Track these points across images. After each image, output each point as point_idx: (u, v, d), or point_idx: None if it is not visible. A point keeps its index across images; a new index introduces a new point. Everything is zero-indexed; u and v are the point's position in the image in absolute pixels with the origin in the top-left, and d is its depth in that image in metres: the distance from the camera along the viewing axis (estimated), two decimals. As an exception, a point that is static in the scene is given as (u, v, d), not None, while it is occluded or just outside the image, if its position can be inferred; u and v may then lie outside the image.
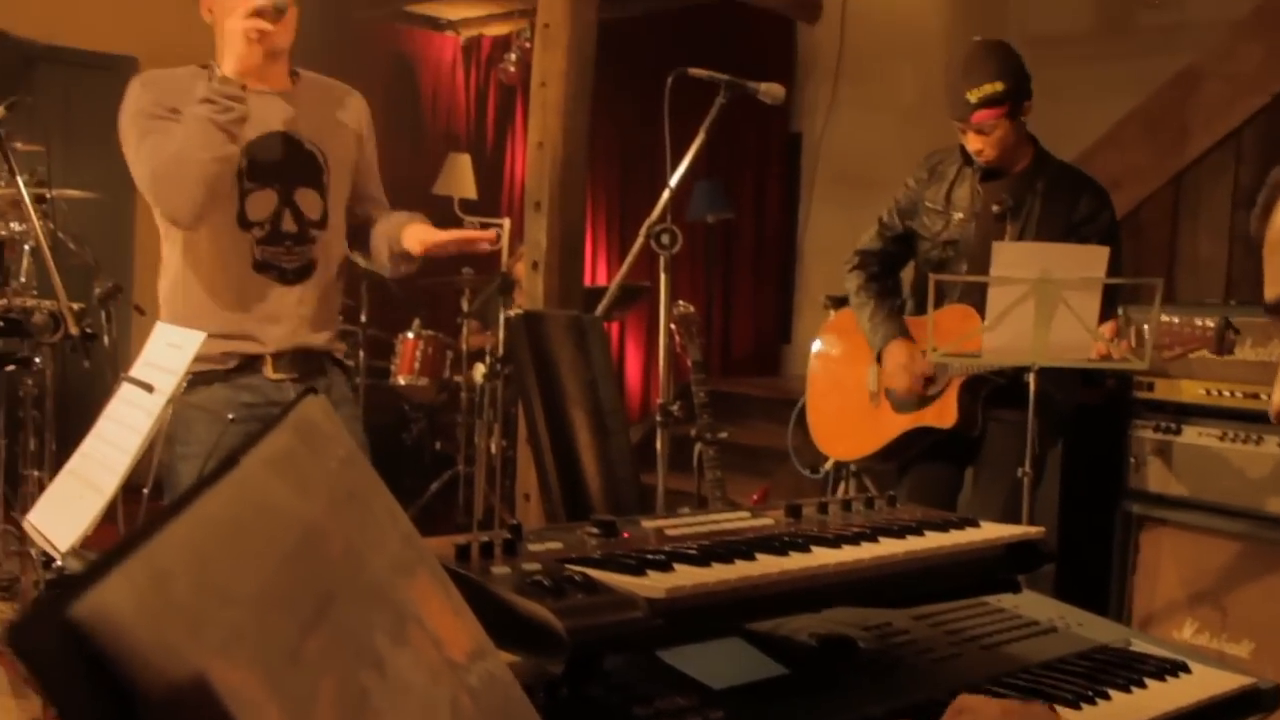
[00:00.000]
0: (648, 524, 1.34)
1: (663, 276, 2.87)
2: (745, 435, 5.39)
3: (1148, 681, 1.35)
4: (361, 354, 5.98)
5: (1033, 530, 1.47)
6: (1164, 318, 2.80)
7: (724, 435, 3.47)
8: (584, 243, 4.45)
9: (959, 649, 1.39)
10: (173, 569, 0.49)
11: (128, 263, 6.35)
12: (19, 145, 3.68)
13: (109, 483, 1.88)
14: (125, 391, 2.01)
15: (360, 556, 0.69)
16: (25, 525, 2.05)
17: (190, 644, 0.47)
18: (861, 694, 1.22)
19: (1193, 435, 3.42)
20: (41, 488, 3.28)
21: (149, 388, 1.95)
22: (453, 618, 0.78)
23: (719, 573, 1.13)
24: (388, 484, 0.80)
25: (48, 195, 4.02)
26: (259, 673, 0.51)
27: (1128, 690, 1.32)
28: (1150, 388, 3.51)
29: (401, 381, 5.81)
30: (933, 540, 1.36)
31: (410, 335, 5.83)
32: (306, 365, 2.56)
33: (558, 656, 0.98)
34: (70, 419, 3.55)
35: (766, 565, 1.17)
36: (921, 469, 3.41)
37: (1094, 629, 1.54)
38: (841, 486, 3.99)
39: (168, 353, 2.01)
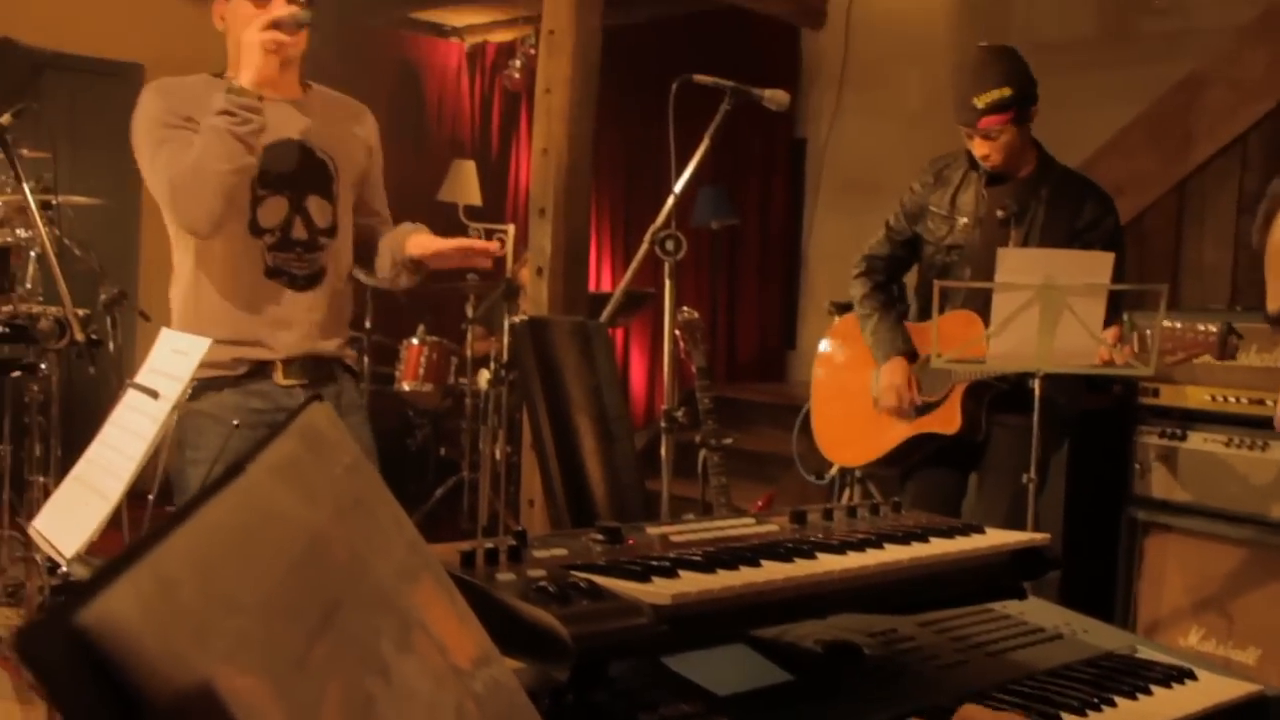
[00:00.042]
0: (652, 530, 1.34)
1: (667, 282, 2.87)
2: (750, 441, 5.38)
3: (1154, 689, 1.35)
4: (366, 360, 5.98)
5: (1038, 536, 1.47)
6: (1166, 323, 2.80)
7: (729, 441, 3.47)
8: (589, 249, 4.45)
9: (964, 656, 1.39)
10: (179, 576, 0.50)
11: (133, 269, 6.37)
12: (25, 152, 3.69)
13: (114, 489, 1.88)
14: (130, 398, 2.01)
15: (366, 563, 0.69)
16: (31, 531, 2.05)
17: (196, 651, 0.47)
18: (867, 701, 1.22)
19: (1198, 441, 3.42)
20: (47, 494, 3.28)
21: (154, 394, 1.95)
22: (458, 624, 0.78)
23: (724, 579, 1.13)
24: (392, 490, 0.80)
25: (54, 202, 4.03)
26: (265, 679, 0.51)
27: (1134, 697, 1.31)
28: (1155, 394, 3.50)
29: (406, 387, 5.82)
30: (938, 547, 1.36)
31: (415, 341, 5.84)
32: (317, 371, 2.57)
33: (563, 663, 0.98)
34: (75, 425, 3.55)
35: (771, 572, 1.17)
36: (926, 475, 3.41)
37: (1099, 636, 1.53)
38: (846, 492, 3.99)
39: (173, 359, 2.01)
